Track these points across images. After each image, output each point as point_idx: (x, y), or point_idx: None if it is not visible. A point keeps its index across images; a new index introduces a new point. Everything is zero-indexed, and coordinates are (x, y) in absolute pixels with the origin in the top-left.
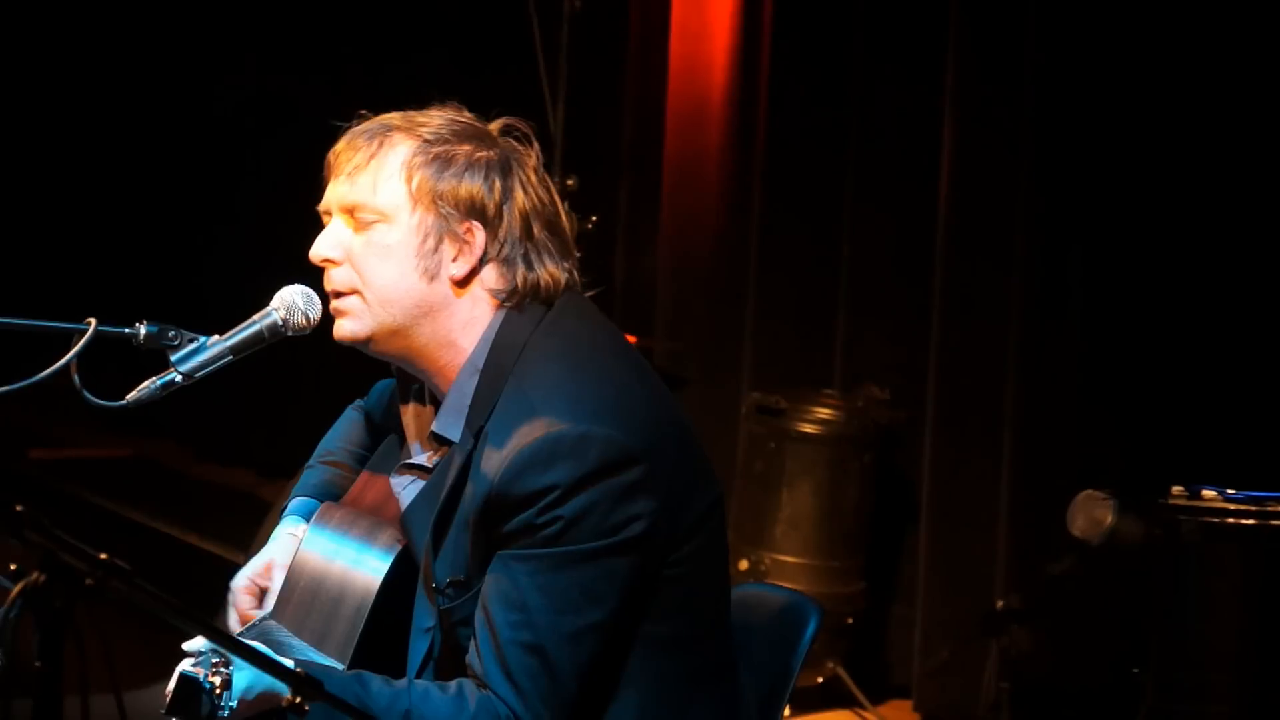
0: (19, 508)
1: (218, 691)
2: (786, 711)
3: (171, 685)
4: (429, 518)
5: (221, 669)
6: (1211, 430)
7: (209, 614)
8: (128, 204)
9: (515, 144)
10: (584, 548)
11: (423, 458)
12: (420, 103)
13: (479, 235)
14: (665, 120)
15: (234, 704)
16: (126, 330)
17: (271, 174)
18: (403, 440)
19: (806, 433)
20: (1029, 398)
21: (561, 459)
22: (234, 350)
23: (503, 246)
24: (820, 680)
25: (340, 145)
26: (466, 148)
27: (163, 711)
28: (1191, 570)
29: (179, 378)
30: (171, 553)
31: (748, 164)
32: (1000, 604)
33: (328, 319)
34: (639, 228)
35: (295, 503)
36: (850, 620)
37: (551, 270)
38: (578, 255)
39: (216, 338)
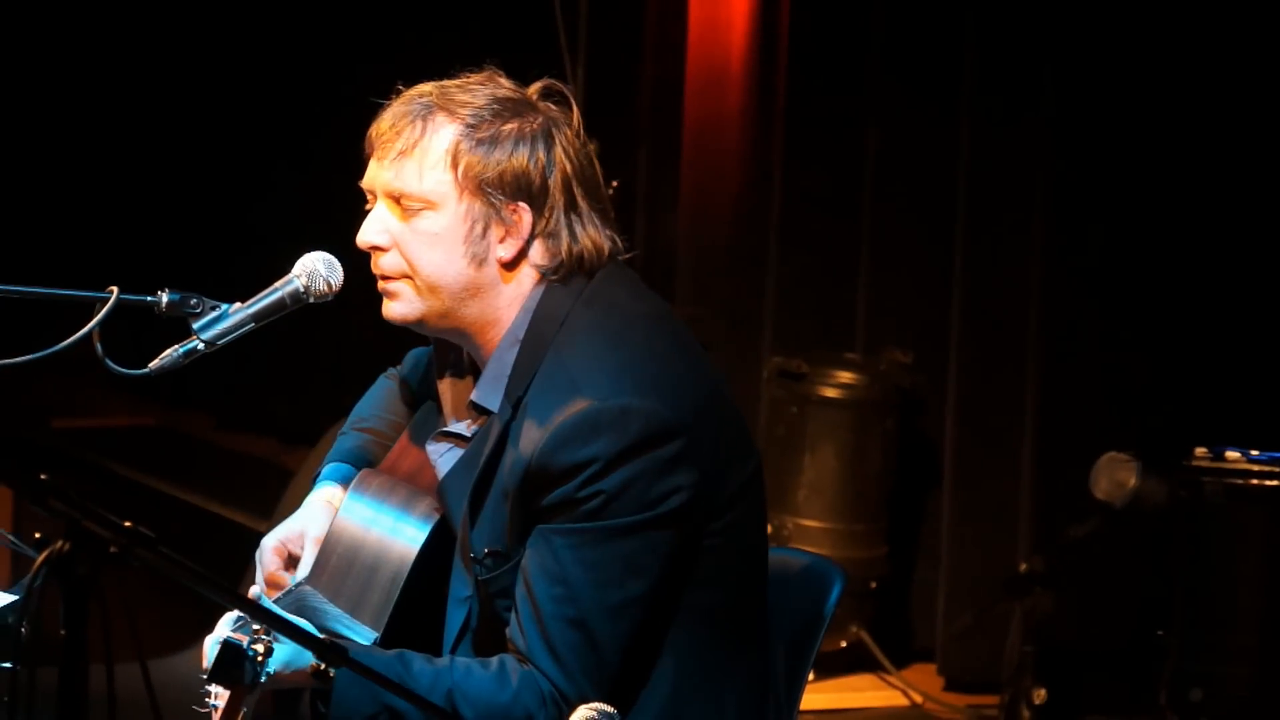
0: (43, 476)
1: (260, 659)
2: (811, 676)
3: (213, 651)
4: (467, 487)
5: (263, 636)
6: (1234, 391)
7: (231, 581)
8: (150, 173)
9: (554, 108)
10: (625, 521)
11: (460, 426)
12: (443, 73)
13: (526, 216)
14: (685, 85)
15: (270, 671)
16: (148, 298)
17: (295, 146)
18: (440, 411)
19: (828, 397)
20: (1051, 360)
21: (602, 432)
22: (256, 318)
23: (548, 221)
24: (844, 645)
25: (383, 125)
26: (511, 126)
27: (203, 676)
28: (1215, 532)
29: (201, 345)
30: (193, 521)
31: (768, 128)
32: (1024, 567)
33: (349, 286)
34: (659, 193)
35: (329, 468)
36: (874, 584)
37: (594, 237)
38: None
39: (238, 305)
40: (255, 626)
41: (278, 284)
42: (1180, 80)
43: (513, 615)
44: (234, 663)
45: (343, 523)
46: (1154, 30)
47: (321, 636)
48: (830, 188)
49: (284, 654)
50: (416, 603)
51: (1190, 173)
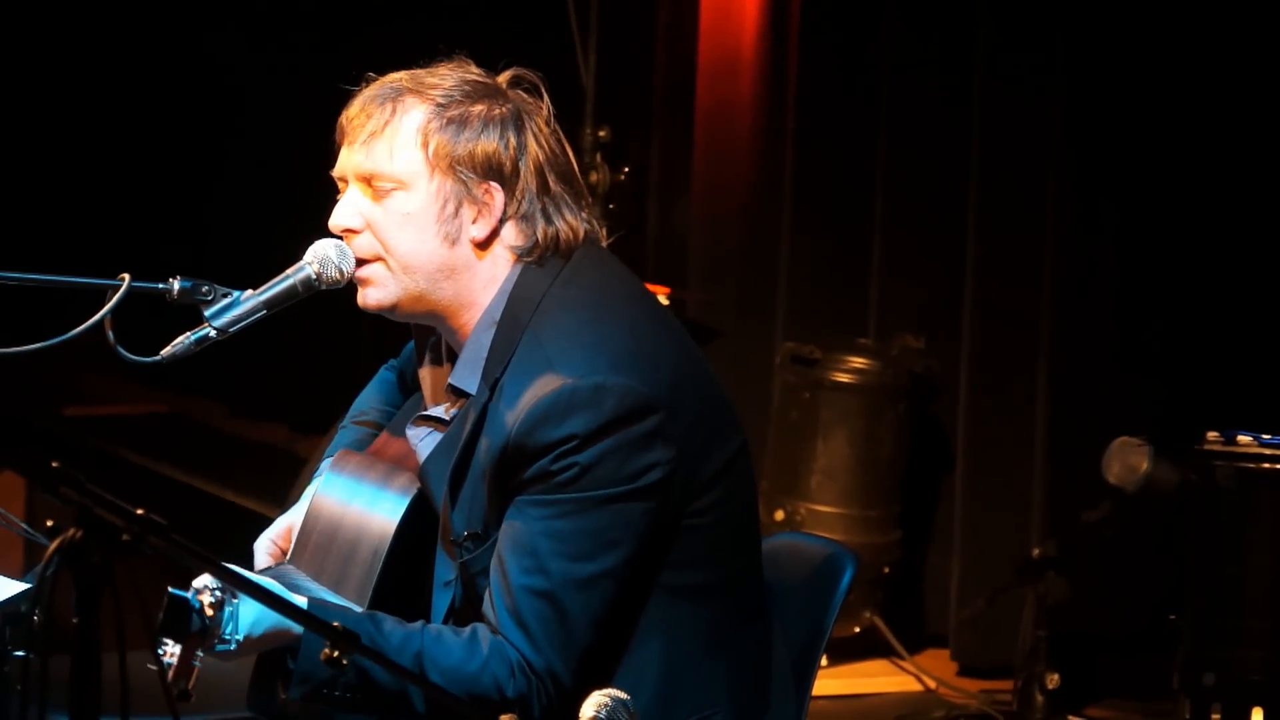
0: (55, 464)
1: (208, 612)
2: (823, 662)
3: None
4: (446, 469)
5: (215, 592)
6: (1246, 376)
7: (243, 568)
8: (157, 161)
9: (525, 96)
10: (598, 494)
11: (439, 410)
12: (430, 59)
13: (498, 196)
14: (697, 70)
15: (240, 638)
16: (160, 285)
17: (301, 132)
18: (423, 399)
19: (841, 382)
20: (1064, 345)
21: (578, 410)
22: (268, 305)
23: (521, 203)
24: (857, 630)
25: (352, 111)
26: (480, 107)
27: (156, 633)
28: (1227, 516)
29: (213, 333)
30: (205, 508)
31: (780, 113)
32: (1037, 552)
33: None
34: (671, 178)
35: (327, 463)
36: (886, 570)
37: (570, 221)
38: (611, 207)
39: (250, 292)
40: (211, 586)
41: (289, 271)
42: (1194, 60)
43: (486, 587)
44: (180, 615)
45: (321, 501)
46: (1164, 14)
47: (336, 626)
48: (842, 173)
49: (250, 614)
50: (401, 588)
51: (1204, 155)
